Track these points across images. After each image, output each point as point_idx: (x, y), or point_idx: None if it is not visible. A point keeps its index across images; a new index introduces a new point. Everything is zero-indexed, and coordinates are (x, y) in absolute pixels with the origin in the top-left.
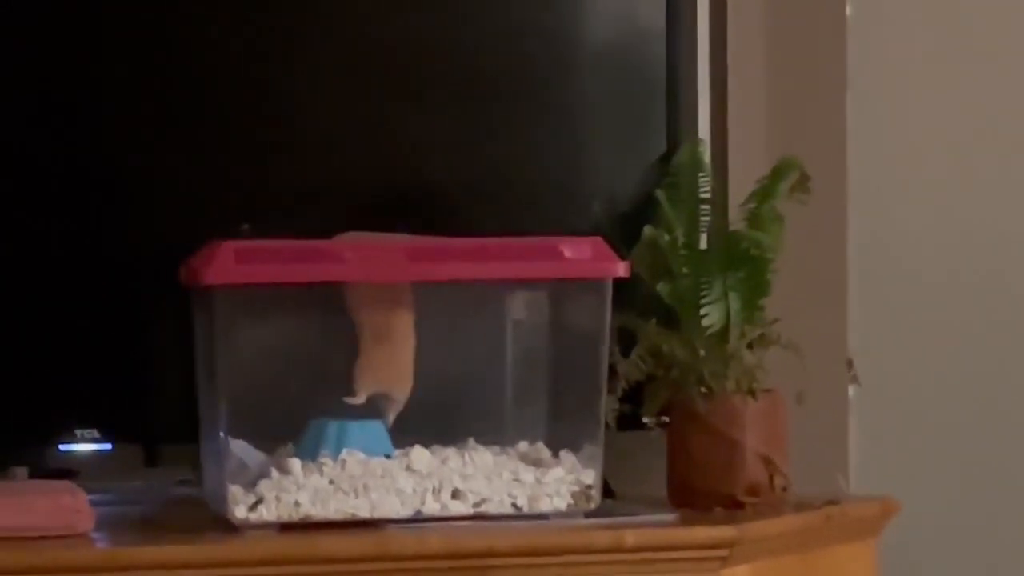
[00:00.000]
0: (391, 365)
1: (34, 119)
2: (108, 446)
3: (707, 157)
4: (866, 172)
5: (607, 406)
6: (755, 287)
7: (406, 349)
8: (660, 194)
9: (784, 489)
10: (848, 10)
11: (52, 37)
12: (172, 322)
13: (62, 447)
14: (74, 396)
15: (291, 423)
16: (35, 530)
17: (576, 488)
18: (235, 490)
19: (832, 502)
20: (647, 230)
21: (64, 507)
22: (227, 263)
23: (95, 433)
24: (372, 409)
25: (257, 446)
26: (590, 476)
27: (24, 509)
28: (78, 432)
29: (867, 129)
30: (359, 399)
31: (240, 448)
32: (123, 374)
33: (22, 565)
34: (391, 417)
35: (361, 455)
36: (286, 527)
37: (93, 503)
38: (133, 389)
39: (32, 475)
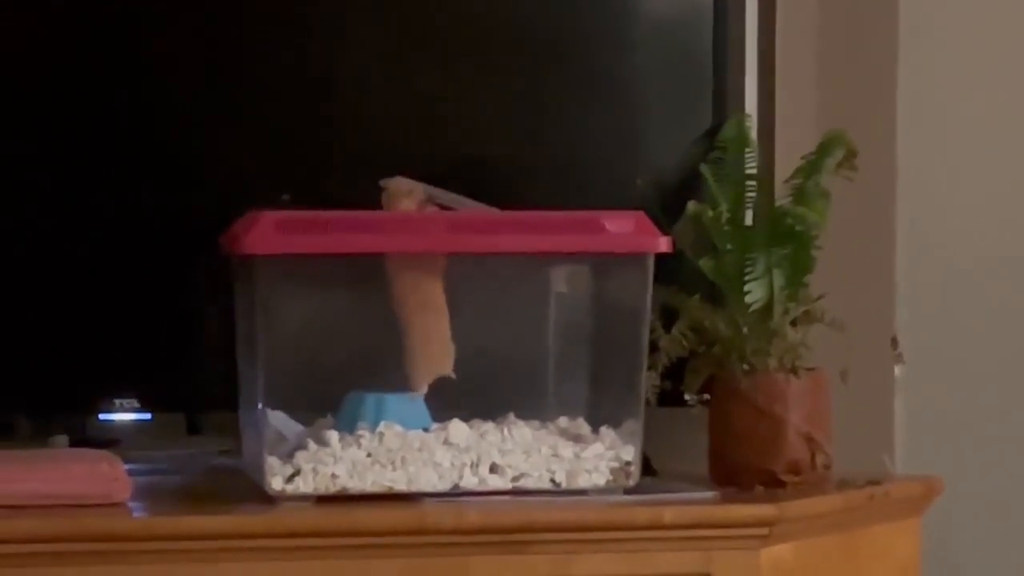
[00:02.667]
0: (440, 344)
1: (76, 89)
2: (148, 415)
3: (753, 132)
4: (915, 148)
5: (648, 382)
6: (799, 264)
7: (446, 321)
8: (705, 169)
9: (826, 468)
10: None
11: (94, 7)
12: (213, 292)
13: (102, 416)
14: (114, 365)
15: (329, 395)
16: (72, 498)
17: (615, 464)
18: (272, 461)
19: (875, 482)
20: (691, 205)
21: (101, 475)
22: (268, 233)
23: (135, 403)
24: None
25: (295, 418)
26: (630, 452)
27: (61, 477)
28: (118, 402)
29: (917, 104)
30: (421, 391)
31: (278, 419)
32: (164, 343)
33: (58, 533)
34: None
35: (399, 428)
36: (323, 499)
37: (132, 472)
38: (174, 358)
39: (73, 444)
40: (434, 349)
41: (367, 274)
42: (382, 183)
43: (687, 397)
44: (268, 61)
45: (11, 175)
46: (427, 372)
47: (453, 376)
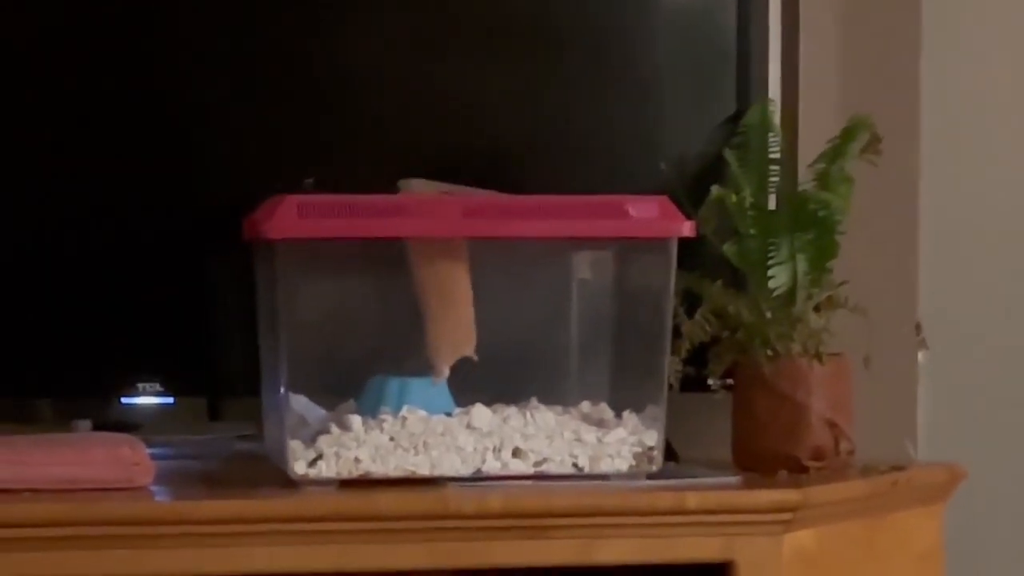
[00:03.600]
0: (463, 328)
1: (98, 73)
2: (170, 400)
3: (777, 118)
4: (939, 133)
5: (671, 367)
6: (823, 249)
7: (467, 306)
8: (729, 154)
9: (850, 453)
10: None
11: None
12: (236, 276)
13: (125, 401)
14: (137, 350)
15: (352, 379)
16: (93, 482)
17: (638, 449)
18: (295, 445)
19: (898, 468)
20: (715, 190)
21: (123, 459)
22: (290, 217)
23: (157, 387)
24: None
25: (318, 402)
26: (652, 437)
27: (83, 461)
28: (140, 386)
29: (941, 90)
30: (443, 375)
31: (300, 404)
32: (186, 328)
33: (80, 517)
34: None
35: (422, 412)
36: (345, 483)
37: (154, 457)
38: (196, 343)
39: (95, 429)
40: (456, 333)
41: (389, 258)
42: (400, 184)
43: (710, 382)
44: (291, 47)
45: (33, 162)
46: (449, 355)
47: (475, 358)
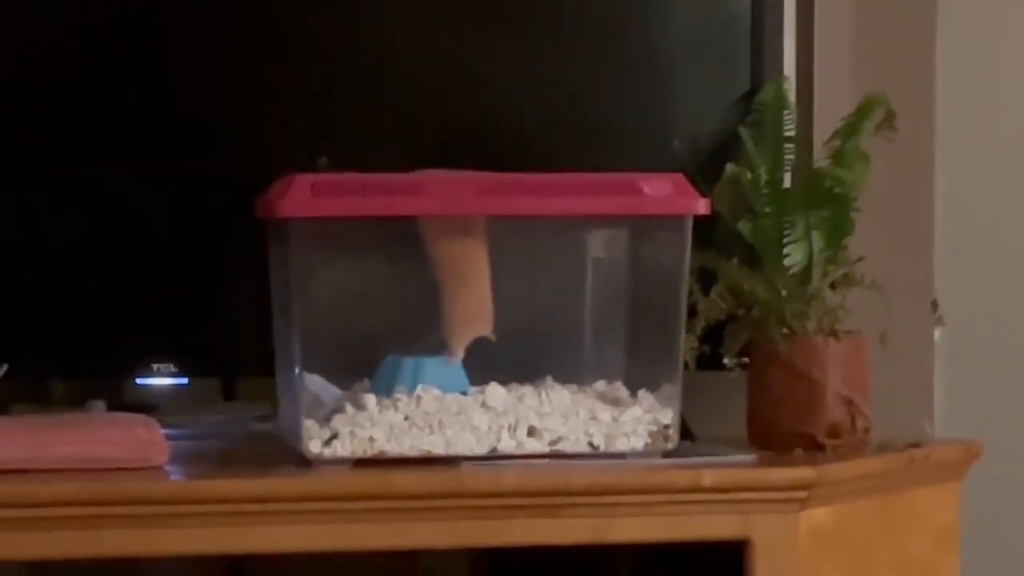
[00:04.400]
0: (479, 307)
1: (115, 54)
2: (185, 380)
3: (792, 95)
4: (954, 109)
5: (686, 345)
6: (838, 226)
7: (486, 285)
8: (744, 132)
9: (866, 431)
10: None
11: None
12: (250, 255)
13: (139, 381)
14: (151, 330)
15: (367, 358)
16: (108, 462)
17: (654, 428)
18: (310, 425)
19: (915, 445)
20: (729, 168)
21: (138, 439)
22: (303, 196)
23: (172, 367)
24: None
25: (332, 381)
26: (668, 416)
27: (97, 441)
28: (155, 366)
29: (956, 65)
30: (458, 356)
31: (315, 383)
32: (200, 308)
33: (95, 497)
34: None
35: (437, 391)
36: (360, 463)
37: (169, 437)
38: (210, 323)
39: (110, 409)
40: (473, 312)
41: (403, 237)
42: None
43: (726, 361)
44: (305, 23)
45: (48, 144)
46: (465, 334)
47: (492, 338)
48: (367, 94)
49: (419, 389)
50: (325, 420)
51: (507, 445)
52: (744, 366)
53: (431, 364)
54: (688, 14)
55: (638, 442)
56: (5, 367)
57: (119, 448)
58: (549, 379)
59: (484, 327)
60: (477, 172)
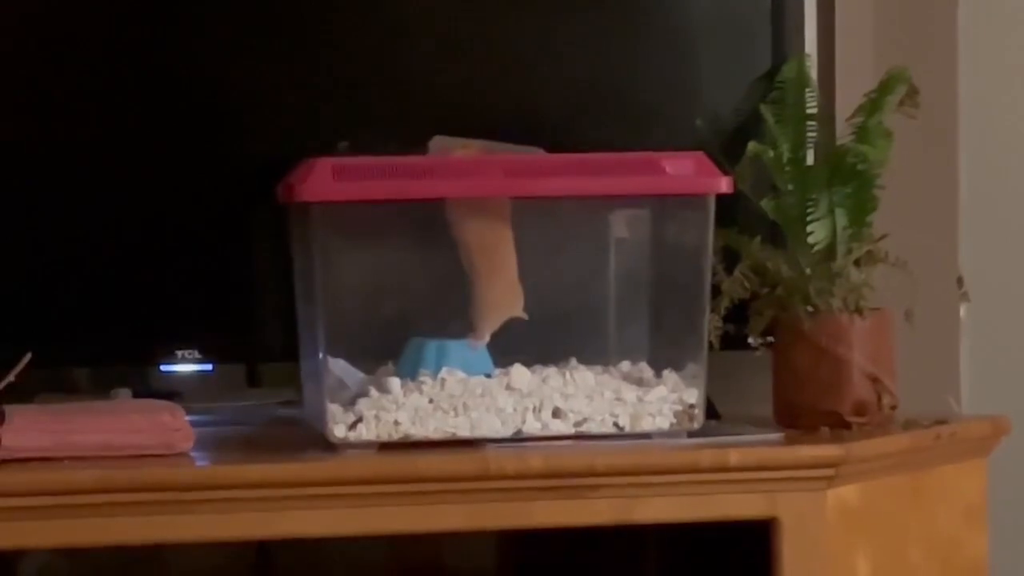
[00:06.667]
0: (510, 291)
1: (138, 40)
2: (209, 367)
3: (814, 72)
4: (977, 84)
5: (710, 325)
6: (862, 203)
7: (514, 268)
8: (765, 109)
9: (892, 408)
10: None
11: None
12: (273, 241)
13: (164, 368)
14: (175, 317)
15: (391, 342)
16: (134, 448)
17: (679, 407)
18: (334, 409)
19: (941, 422)
20: (751, 146)
21: (163, 425)
22: (325, 180)
23: (196, 354)
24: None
25: (357, 365)
26: (693, 395)
27: (123, 427)
28: (179, 353)
29: (978, 40)
30: (483, 340)
31: (339, 367)
32: (224, 294)
33: (121, 483)
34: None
35: (461, 374)
36: (385, 446)
37: (194, 424)
38: (234, 309)
39: (135, 396)
40: (503, 296)
41: (426, 220)
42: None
43: (751, 340)
44: (326, 6)
45: (71, 129)
46: (495, 316)
47: (525, 317)
48: (389, 77)
49: (443, 372)
50: (350, 404)
51: (532, 427)
52: (769, 345)
53: (455, 347)
54: None
55: (663, 422)
56: (29, 356)
57: (144, 435)
58: (573, 360)
59: (516, 307)
60: (488, 148)
